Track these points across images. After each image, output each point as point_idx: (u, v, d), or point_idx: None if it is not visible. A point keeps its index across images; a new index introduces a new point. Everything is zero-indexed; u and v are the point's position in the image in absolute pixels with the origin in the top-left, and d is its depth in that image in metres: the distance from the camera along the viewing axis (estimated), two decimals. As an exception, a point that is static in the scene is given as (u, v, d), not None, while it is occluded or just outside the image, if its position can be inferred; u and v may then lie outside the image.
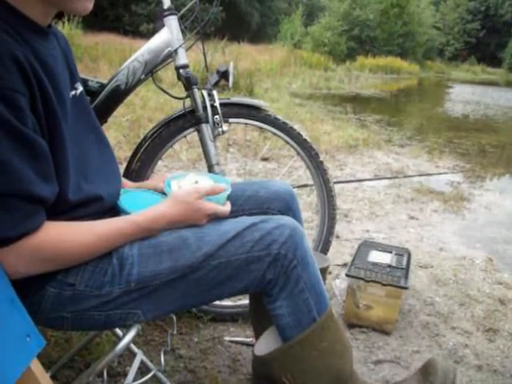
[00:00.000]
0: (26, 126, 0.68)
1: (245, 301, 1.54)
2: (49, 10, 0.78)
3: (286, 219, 0.90)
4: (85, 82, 1.30)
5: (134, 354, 1.13)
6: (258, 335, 1.17)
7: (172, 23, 1.33)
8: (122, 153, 3.11)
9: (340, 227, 2.42)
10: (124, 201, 0.97)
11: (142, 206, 0.91)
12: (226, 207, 0.94)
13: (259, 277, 0.87)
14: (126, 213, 0.92)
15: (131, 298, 0.83)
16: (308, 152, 1.48)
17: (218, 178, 1.05)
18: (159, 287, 0.83)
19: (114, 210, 0.94)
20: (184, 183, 0.99)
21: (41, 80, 0.72)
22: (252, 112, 1.44)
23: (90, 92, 1.31)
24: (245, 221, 0.89)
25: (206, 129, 1.37)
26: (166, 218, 0.86)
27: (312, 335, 0.89)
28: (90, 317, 0.83)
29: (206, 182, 1.00)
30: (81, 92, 0.91)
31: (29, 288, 0.78)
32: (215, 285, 0.87)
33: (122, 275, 0.82)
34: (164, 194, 1.07)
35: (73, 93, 0.87)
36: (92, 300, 0.81)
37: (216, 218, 0.92)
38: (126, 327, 0.87)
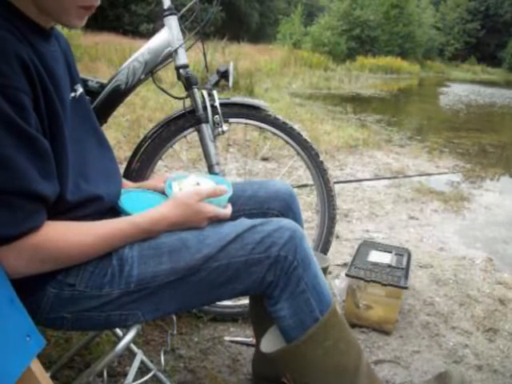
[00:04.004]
0: (29, 125, 0.68)
1: (245, 301, 1.54)
2: (48, 18, 0.78)
3: (286, 221, 0.90)
4: (85, 82, 1.30)
5: (133, 354, 1.12)
6: (257, 335, 1.17)
7: (172, 23, 1.33)
8: (122, 153, 3.12)
9: (340, 227, 2.42)
10: (125, 201, 0.96)
11: (142, 207, 0.91)
12: (228, 210, 0.93)
13: (259, 279, 0.86)
14: (126, 214, 0.92)
15: (131, 298, 0.83)
16: (308, 152, 1.48)
17: (219, 179, 1.04)
18: (159, 288, 0.83)
19: (114, 210, 0.94)
20: (185, 185, 0.98)
21: (44, 82, 0.73)
22: (252, 112, 1.44)
23: (90, 92, 1.31)
24: (245, 223, 0.89)
25: (206, 129, 1.37)
26: (167, 219, 0.86)
27: (316, 334, 0.89)
28: (90, 317, 0.83)
29: (207, 183, 0.99)
30: (81, 93, 0.92)
31: (29, 288, 0.78)
32: (215, 286, 0.86)
33: (121, 276, 0.82)
34: (164, 194, 1.07)
35: (72, 94, 0.87)
36: (92, 300, 0.81)
37: (217, 220, 0.91)
38: (126, 327, 0.87)
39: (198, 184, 0.98)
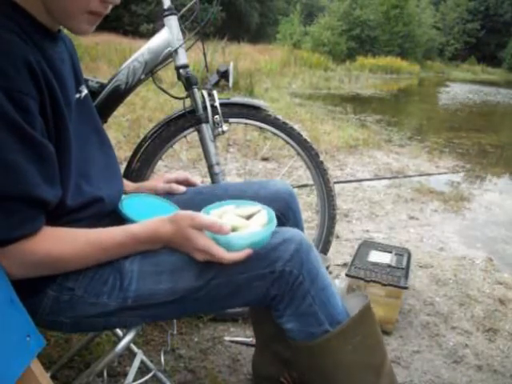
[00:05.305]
0: (34, 129, 0.68)
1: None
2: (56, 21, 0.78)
3: (292, 233, 0.85)
4: (85, 82, 1.30)
5: (133, 354, 1.12)
6: (257, 336, 1.17)
7: (172, 23, 1.33)
8: (122, 153, 3.11)
9: (340, 227, 2.42)
10: (126, 207, 0.95)
11: (144, 213, 0.90)
12: (232, 253, 0.78)
13: (262, 293, 0.83)
14: (129, 220, 0.91)
15: (128, 311, 0.81)
16: (308, 152, 1.48)
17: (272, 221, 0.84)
18: (156, 305, 0.81)
19: (115, 212, 0.93)
20: (228, 215, 0.85)
21: (50, 84, 0.72)
22: (252, 112, 1.44)
23: (90, 92, 1.31)
24: None
25: (206, 129, 1.37)
26: (159, 234, 0.81)
27: (348, 329, 0.86)
28: (89, 323, 0.82)
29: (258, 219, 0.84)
30: (85, 95, 0.91)
31: (29, 289, 0.78)
32: (215, 302, 0.84)
33: (120, 289, 0.80)
34: (165, 196, 1.06)
35: (77, 96, 0.87)
36: (89, 308, 0.80)
37: (213, 259, 0.78)
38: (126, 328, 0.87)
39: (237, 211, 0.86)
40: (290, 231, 0.86)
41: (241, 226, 0.82)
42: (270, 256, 0.81)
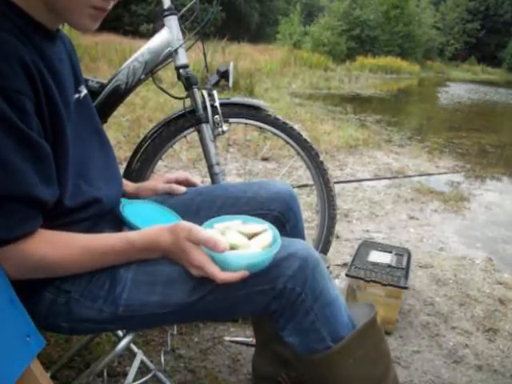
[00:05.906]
0: (30, 129, 0.68)
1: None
2: (57, 19, 0.78)
3: (298, 246, 0.81)
4: (85, 82, 1.30)
5: (133, 354, 1.12)
6: (258, 336, 1.17)
7: (172, 23, 1.34)
8: (122, 153, 3.12)
9: (340, 227, 2.42)
10: (128, 212, 0.94)
11: (146, 220, 0.89)
12: (226, 274, 0.74)
13: (262, 307, 0.81)
14: (130, 225, 0.91)
15: (122, 319, 0.80)
16: (308, 152, 1.49)
17: (272, 244, 0.79)
18: (148, 316, 0.80)
19: (114, 213, 0.93)
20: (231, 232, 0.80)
21: (47, 84, 0.72)
22: (252, 112, 1.44)
23: (90, 92, 1.31)
24: None
25: (206, 129, 1.37)
26: (157, 243, 0.79)
27: (350, 344, 0.83)
28: (86, 326, 0.82)
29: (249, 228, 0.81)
30: (85, 95, 0.91)
31: (28, 291, 0.77)
32: (211, 314, 0.83)
33: (114, 296, 0.79)
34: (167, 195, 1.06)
35: (76, 96, 0.86)
36: (86, 311, 0.79)
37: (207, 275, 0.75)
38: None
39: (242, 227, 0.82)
40: (295, 244, 0.82)
41: (240, 245, 0.77)
42: (271, 272, 0.78)
